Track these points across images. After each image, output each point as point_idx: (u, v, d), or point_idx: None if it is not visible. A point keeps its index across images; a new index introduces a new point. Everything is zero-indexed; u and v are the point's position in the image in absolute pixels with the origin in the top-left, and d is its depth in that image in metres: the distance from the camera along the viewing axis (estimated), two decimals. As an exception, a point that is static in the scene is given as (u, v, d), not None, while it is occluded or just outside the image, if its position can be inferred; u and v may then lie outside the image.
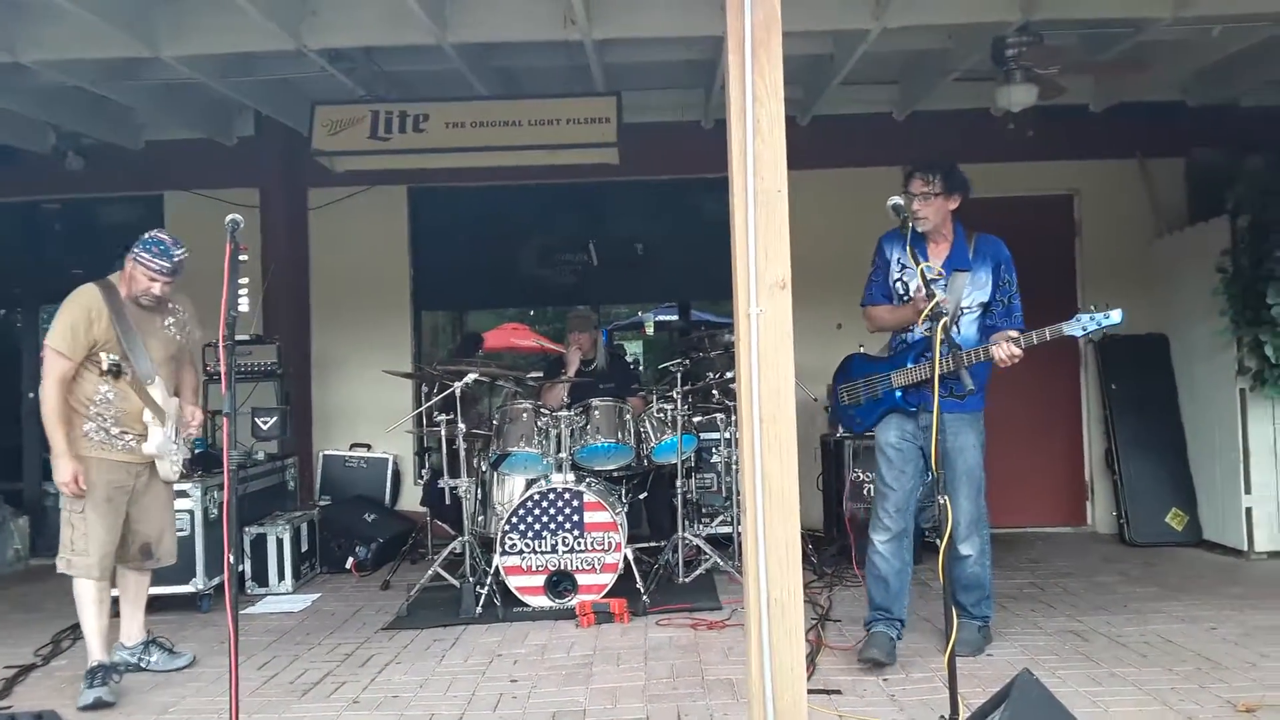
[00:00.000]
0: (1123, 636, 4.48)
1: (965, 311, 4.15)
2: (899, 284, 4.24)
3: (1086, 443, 7.33)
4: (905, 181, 4.19)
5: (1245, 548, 6.09)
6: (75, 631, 5.08)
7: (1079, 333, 3.86)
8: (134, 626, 4.47)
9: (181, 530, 5.37)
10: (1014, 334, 3.93)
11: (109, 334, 4.14)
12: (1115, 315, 3.80)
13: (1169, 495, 6.68)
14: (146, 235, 4.22)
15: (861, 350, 4.59)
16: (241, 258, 3.36)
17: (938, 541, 3.29)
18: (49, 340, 4.16)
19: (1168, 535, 6.60)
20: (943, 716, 3.27)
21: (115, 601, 4.42)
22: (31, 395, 7.70)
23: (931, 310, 3.43)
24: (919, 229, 4.14)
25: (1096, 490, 7.25)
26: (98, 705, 3.97)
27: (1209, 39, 5.64)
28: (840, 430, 6.24)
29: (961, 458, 4.16)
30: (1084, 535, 7.17)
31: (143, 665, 4.43)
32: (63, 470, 4.08)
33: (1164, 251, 7.01)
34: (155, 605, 4.76)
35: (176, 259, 4.17)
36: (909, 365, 4.16)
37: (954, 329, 4.09)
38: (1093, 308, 3.86)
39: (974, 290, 4.17)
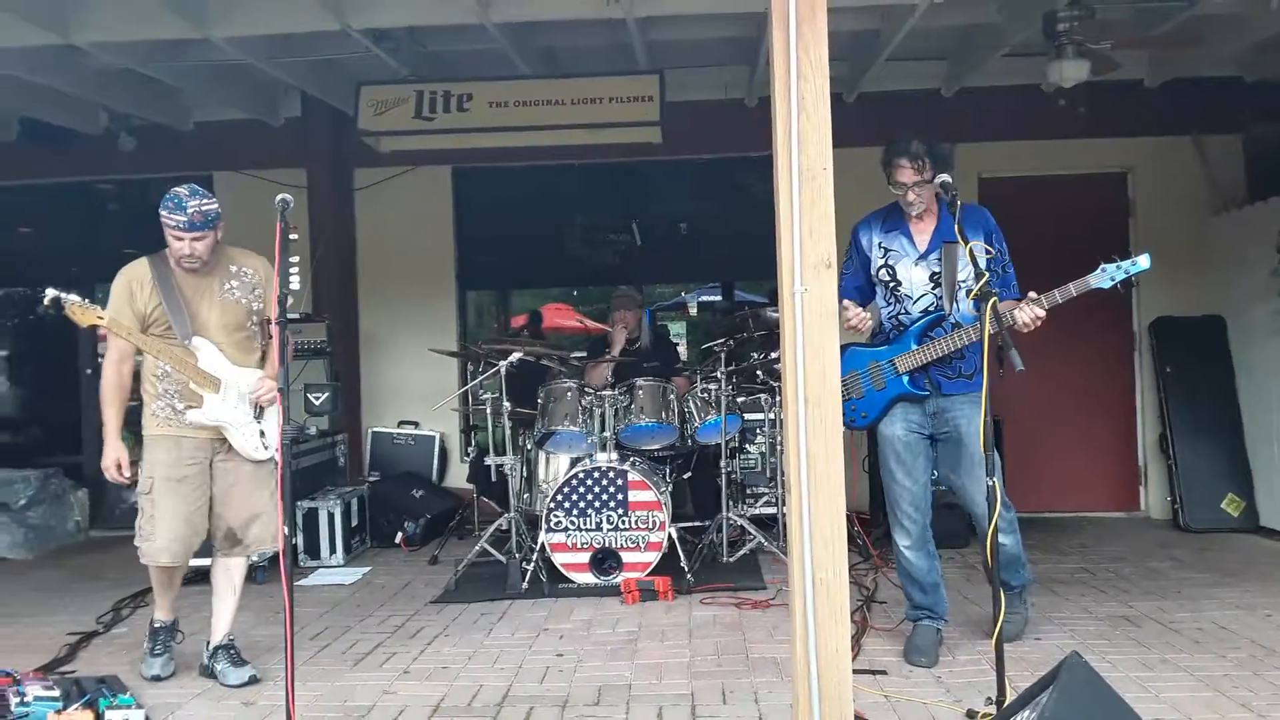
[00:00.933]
0: (1175, 622, 4.42)
1: (961, 285, 3.86)
2: (884, 270, 3.99)
3: (1140, 427, 7.19)
4: (890, 170, 3.90)
5: (1303, 533, 5.97)
6: (136, 600, 5.25)
7: (1106, 283, 3.67)
8: (219, 623, 4.07)
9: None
10: (1034, 295, 3.72)
11: (154, 302, 3.91)
12: (1143, 261, 3.63)
13: (1225, 480, 6.55)
14: (169, 191, 3.87)
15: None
16: (292, 236, 3.37)
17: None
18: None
19: (1223, 521, 6.48)
20: (989, 699, 3.25)
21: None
22: (89, 371, 7.91)
23: (981, 290, 3.35)
24: (912, 213, 3.93)
25: (1150, 475, 7.12)
26: (155, 679, 4.01)
27: (1266, 11, 5.46)
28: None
29: (978, 439, 3.98)
30: (1137, 520, 7.05)
31: (213, 670, 4.04)
32: (105, 455, 3.92)
33: (1220, 231, 6.84)
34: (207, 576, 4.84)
35: (191, 210, 3.79)
36: (913, 348, 3.92)
37: (955, 306, 3.87)
38: (1115, 257, 3.67)
39: (967, 262, 3.76)
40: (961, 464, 3.96)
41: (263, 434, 4.04)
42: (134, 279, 3.95)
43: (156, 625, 4.13)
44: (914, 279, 3.96)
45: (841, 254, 3.00)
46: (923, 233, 3.96)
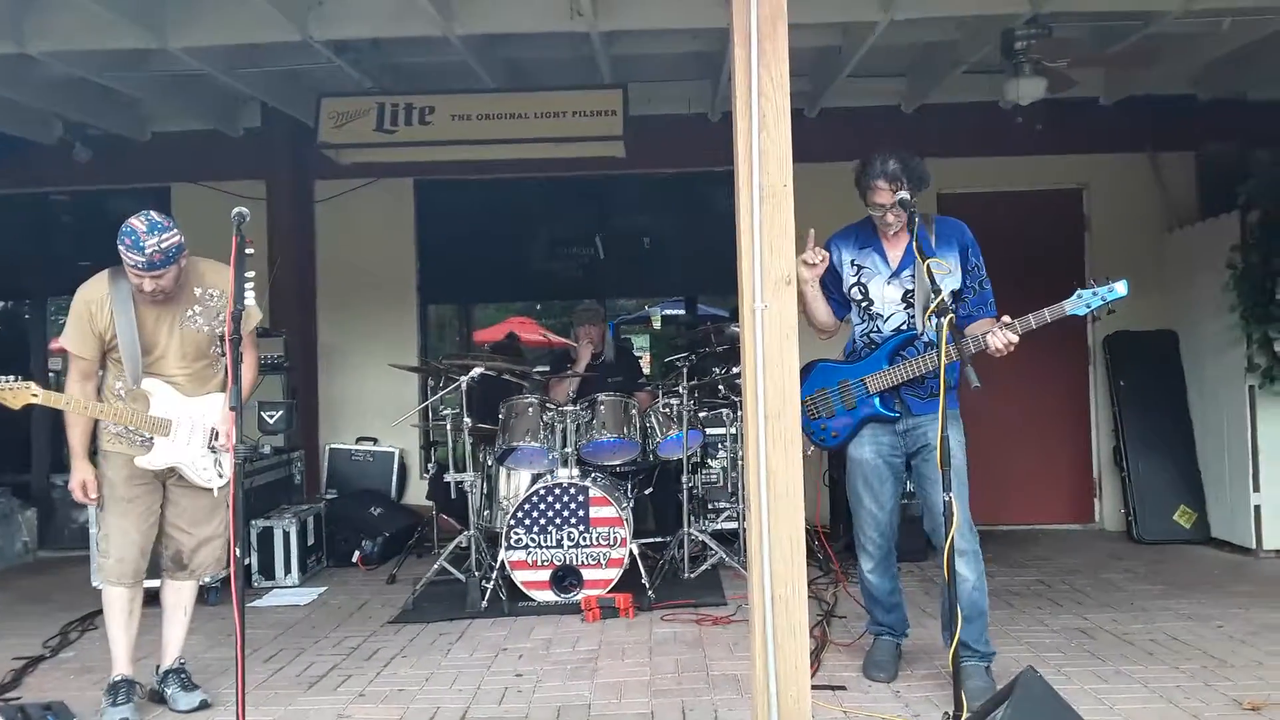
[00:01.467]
0: (1129, 634, 4.47)
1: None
2: (856, 289, 3.92)
3: (1094, 439, 7.30)
4: (867, 190, 3.81)
5: (1254, 545, 6.06)
6: (83, 624, 5.13)
7: (1082, 310, 3.61)
8: (170, 647, 3.96)
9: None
10: (1008, 319, 3.61)
11: (111, 329, 3.72)
12: (1120, 288, 3.58)
13: (1177, 492, 6.65)
14: (126, 223, 3.61)
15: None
16: (248, 251, 3.33)
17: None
18: (62, 338, 3.82)
19: (1176, 533, 6.58)
20: (947, 713, 3.26)
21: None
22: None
23: (937, 308, 3.37)
24: (889, 232, 3.86)
25: (1104, 487, 7.22)
26: None
27: (1219, 31, 5.59)
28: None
29: (957, 453, 3.86)
30: (1092, 532, 7.14)
31: (164, 694, 3.92)
32: (73, 476, 3.77)
33: (1174, 246, 6.97)
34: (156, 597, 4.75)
35: (150, 250, 3.53)
36: (884, 368, 3.83)
37: (928, 325, 3.76)
38: (1093, 282, 3.63)
39: (942, 277, 3.69)
40: (934, 482, 3.90)
41: (218, 462, 3.89)
42: (91, 301, 3.74)
43: (116, 679, 3.80)
44: (886, 297, 3.88)
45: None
46: (896, 249, 3.87)
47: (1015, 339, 3.61)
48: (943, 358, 3.30)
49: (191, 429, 3.82)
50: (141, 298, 3.72)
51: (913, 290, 3.85)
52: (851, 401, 3.91)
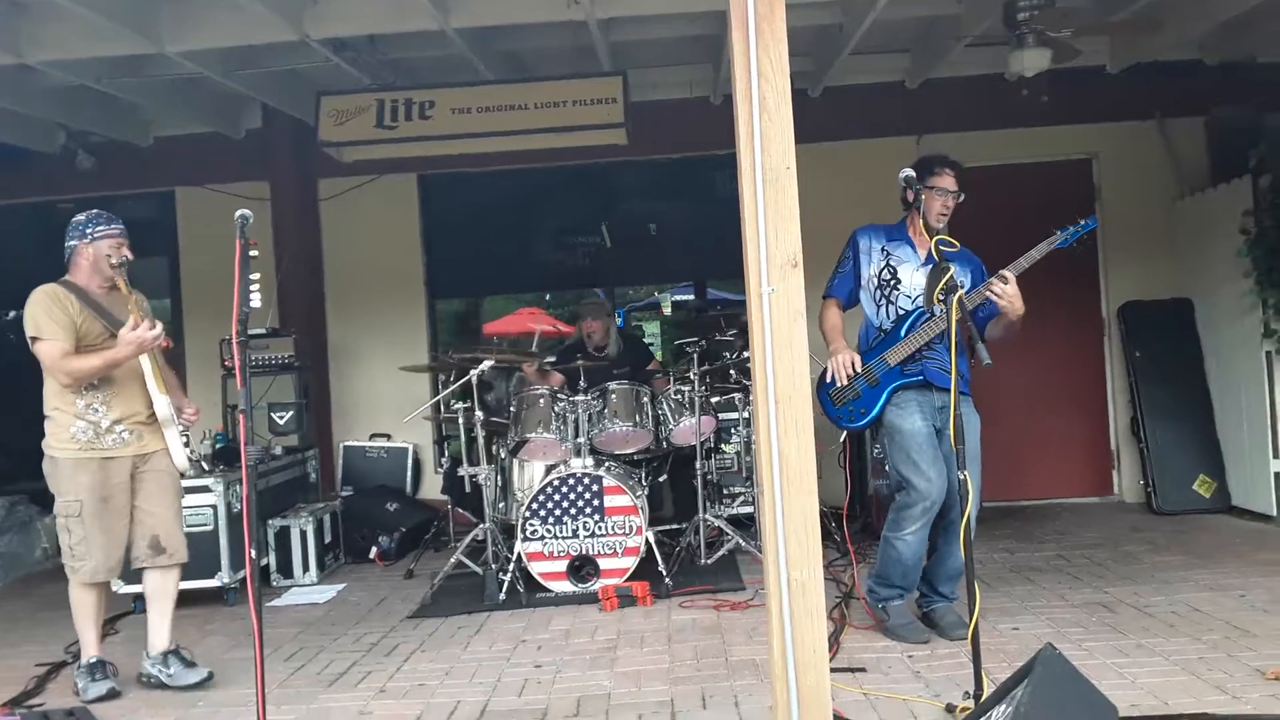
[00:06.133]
0: (1150, 606, 4.44)
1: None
2: (886, 270, 4.20)
3: (1111, 411, 7.24)
4: (932, 176, 4.04)
5: (1275, 513, 6.01)
6: (105, 628, 5.14)
7: (1064, 244, 3.99)
8: (159, 635, 4.17)
9: (205, 525, 5.45)
10: (1002, 272, 3.91)
11: (84, 317, 3.97)
12: (1090, 222, 4.06)
13: (1196, 462, 6.60)
14: (84, 216, 4.11)
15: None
16: (252, 253, 3.35)
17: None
18: (32, 336, 3.96)
19: (1196, 502, 6.53)
20: (967, 693, 3.25)
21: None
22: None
23: (945, 284, 3.35)
24: (940, 225, 4.05)
25: (1123, 459, 7.17)
26: (111, 695, 3.99)
27: (1225, -6, 5.51)
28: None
29: (973, 435, 4.07)
30: (1111, 505, 7.10)
31: (161, 677, 4.13)
32: (131, 336, 3.88)
33: (1186, 214, 6.90)
34: (183, 599, 4.74)
35: (119, 221, 4.13)
36: (901, 339, 4.10)
37: (938, 300, 3.93)
38: (1067, 226, 4.02)
39: (952, 255, 3.98)
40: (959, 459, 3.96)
41: (186, 439, 4.21)
42: (56, 294, 4.00)
43: (92, 660, 4.09)
44: (915, 282, 4.16)
45: (807, 253, 2.98)
46: (924, 247, 4.16)
47: (1013, 287, 3.87)
48: (953, 332, 3.31)
49: (167, 409, 4.13)
50: (93, 290, 4.06)
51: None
52: (874, 378, 4.15)
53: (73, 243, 4.11)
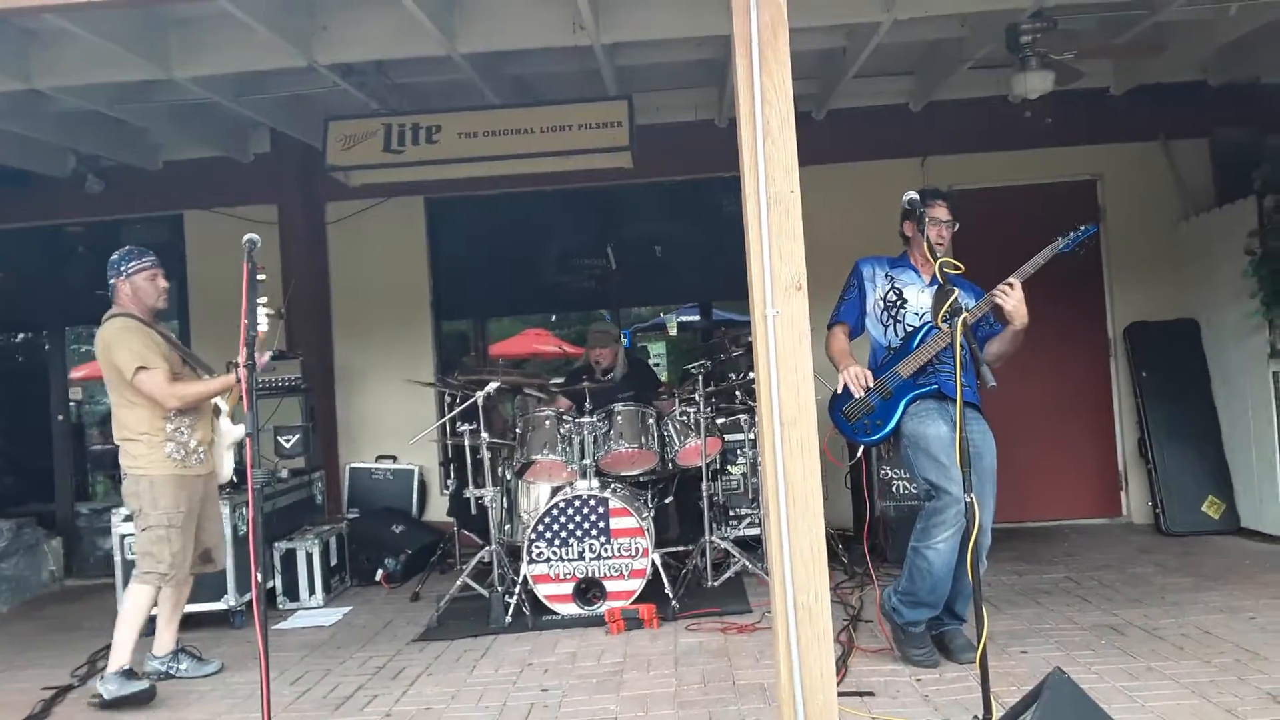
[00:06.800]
0: (1160, 629, 4.41)
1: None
2: (891, 292, 4.28)
3: (1119, 432, 7.22)
4: (925, 208, 4.04)
5: (1284, 534, 5.98)
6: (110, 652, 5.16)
7: (1067, 248, 4.11)
8: (168, 637, 4.63)
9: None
10: (1009, 279, 3.98)
11: (163, 344, 4.43)
12: (1092, 226, 4.22)
13: (1205, 483, 6.57)
14: (118, 255, 4.50)
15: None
16: (260, 277, 3.37)
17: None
18: (130, 369, 4.29)
19: (1205, 524, 6.49)
20: (976, 717, 3.22)
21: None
22: (61, 418, 7.80)
23: (950, 306, 3.37)
24: (939, 253, 4.05)
25: (1131, 480, 7.14)
26: (149, 695, 4.26)
27: (1226, 17, 5.54)
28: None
29: (989, 454, 4.10)
30: (1119, 526, 7.06)
31: (172, 673, 4.58)
32: (227, 377, 4.45)
33: (1191, 234, 6.90)
34: (188, 621, 4.80)
35: (150, 254, 4.55)
36: (912, 352, 4.14)
37: (943, 325, 4.04)
38: (1067, 232, 4.14)
39: (956, 278, 4.04)
40: (976, 477, 3.96)
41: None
42: (139, 327, 4.40)
43: (124, 668, 4.30)
44: (921, 301, 4.24)
45: (812, 275, 3.00)
46: (927, 272, 4.28)
47: (1018, 295, 3.95)
48: (956, 351, 3.32)
49: (229, 425, 4.68)
50: (154, 307, 4.51)
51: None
52: (888, 391, 4.18)
53: (112, 280, 4.48)
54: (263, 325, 3.41)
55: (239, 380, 4.13)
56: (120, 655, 4.30)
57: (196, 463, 4.47)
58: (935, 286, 4.14)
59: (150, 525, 4.36)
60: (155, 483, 4.36)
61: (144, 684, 4.30)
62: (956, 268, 3.83)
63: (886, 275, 4.31)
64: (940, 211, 4.22)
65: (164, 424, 4.38)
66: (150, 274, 4.49)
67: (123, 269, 4.46)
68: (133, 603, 4.37)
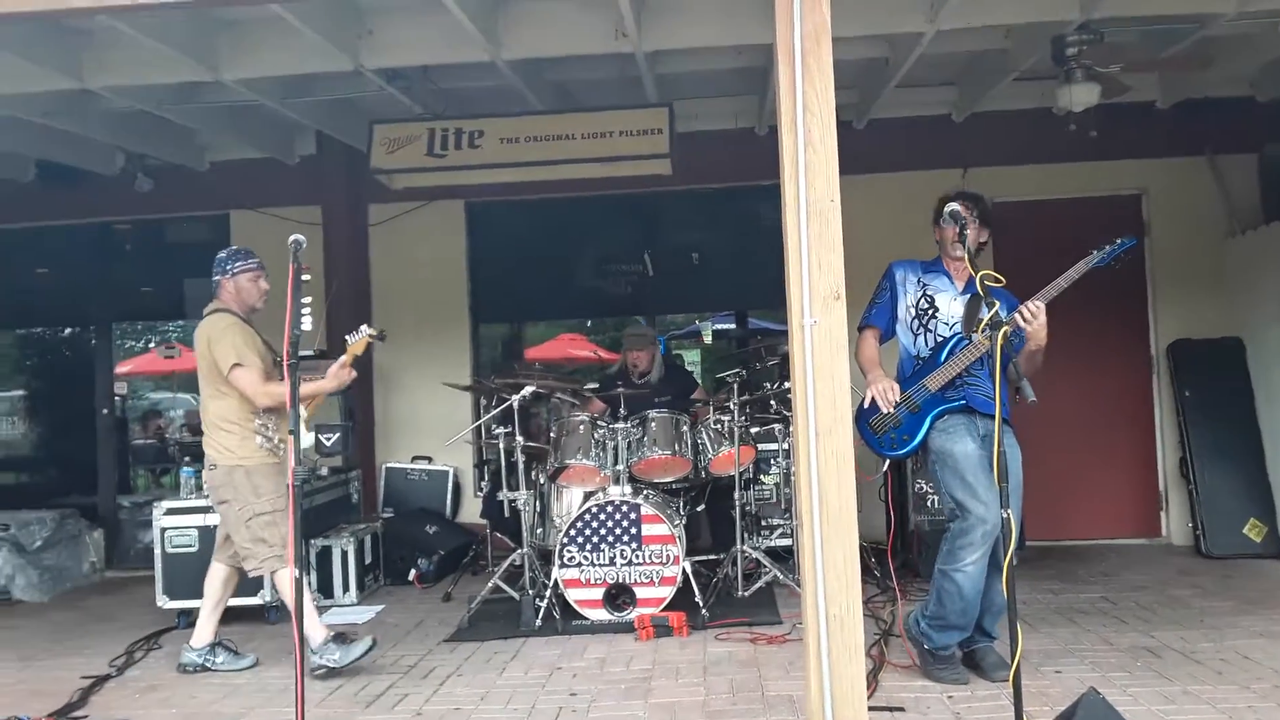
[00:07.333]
0: (1197, 652, 4.33)
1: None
2: (923, 299, 4.20)
3: (1160, 451, 7.10)
4: (945, 208, 4.05)
5: (1329, 559, 5.86)
6: (149, 642, 5.27)
7: (1102, 262, 3.92)
8: (208, 630, 4.72)
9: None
10: (1035, 299, 3.86)
11: (260, 347, 4.58)
12: (1130, 240, 3.99)
13: (1247, 505, 6.45)
14: (225, 253, 4.71)
15: None
16: (304, 277, 3.42)
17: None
18: (228, 364, 4.45)
19: (1246, 547, 6.37)
20: (1009, 735, 3.19)
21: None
22: (105, 411, 7.94)
23: (991, 319, 3.33)
24: (955, 253, 4.07)
25: (1171, 500, 7.03)
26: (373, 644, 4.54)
27: (1275, 33, 5.45)
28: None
29: (1016, 468, 4.02)
30: (1158, 547, 6.95)
31: (209, 665, 4.68)
32: (346, 371, 4.62)
33: (1237, 252, 6.79)
34: (224, 616, 4.85)
35: (255, 256, 4.74)
36: (940, 365, 4.07)
37: (982, 337, 3.96)
38: (1104, 246, 3.94)
39: (997, 290, 3.93)
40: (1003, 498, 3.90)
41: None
42: (241, 325, 4.57)
43: (217, 641, 4.71)
44: (952, 310, 4.15)
45: (850, 285, 2.99)
46: (960, 279, 4.18)
47: (1042, 316, 3.83)
48: (998, 366, 3.29)
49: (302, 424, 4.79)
50: (254, 307, 4.69)
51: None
52: (915, 405, 4.11)
53: (217, 277, 4.67)
54: (306, 325, 3.45)
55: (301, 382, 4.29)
56: (316, 631, 4.50)
57: (283, 453, 4.61)
58: (967, 295, 4.08)
59: (259, 512, 4.51)
60: (252, 472, 4.53)
61: (366, 641, 4.52)
62: (997, 280, 3.78)
63: (919, 281, 4.22)
64: (959, 208, 3.96)
65: (252, 417, 4.56)
66: (254, 275, 4.67)
67: (229, 268, 4.64)
68: (285, 590, 4.49)
